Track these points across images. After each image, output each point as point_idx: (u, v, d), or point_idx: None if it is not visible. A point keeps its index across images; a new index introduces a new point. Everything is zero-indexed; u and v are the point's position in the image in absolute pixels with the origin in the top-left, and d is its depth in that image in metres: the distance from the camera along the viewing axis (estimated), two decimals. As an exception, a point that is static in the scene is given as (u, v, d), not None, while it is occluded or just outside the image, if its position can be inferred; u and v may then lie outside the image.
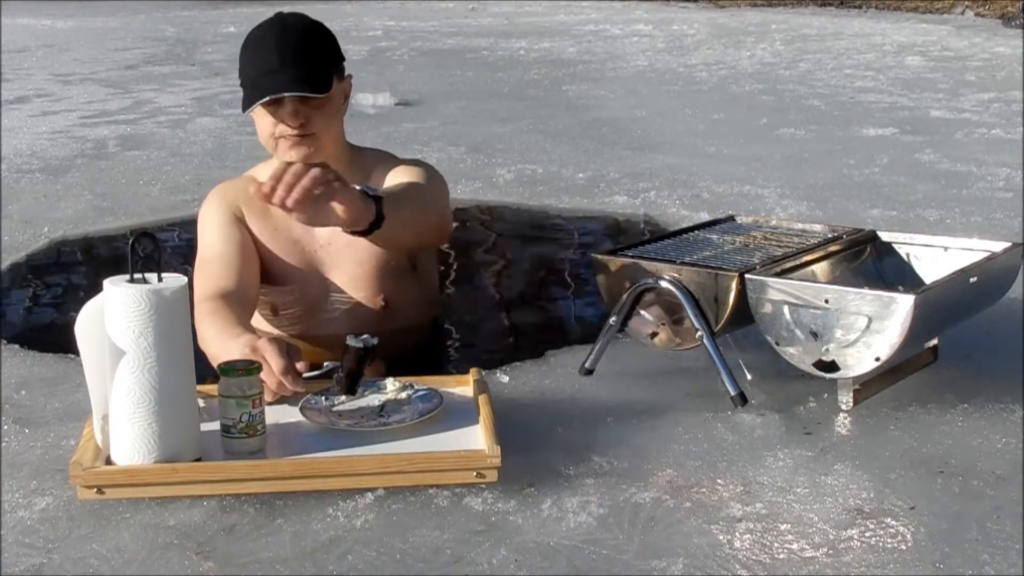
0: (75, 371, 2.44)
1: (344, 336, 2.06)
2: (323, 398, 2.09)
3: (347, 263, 2.44)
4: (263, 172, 2.47)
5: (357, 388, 2.07)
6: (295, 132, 2.28)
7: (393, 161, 2.50)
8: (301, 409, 2.04)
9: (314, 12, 2.60)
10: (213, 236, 2.40)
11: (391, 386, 2.13)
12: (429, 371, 2.24)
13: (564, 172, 4.94)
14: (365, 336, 2.03)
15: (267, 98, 2.23)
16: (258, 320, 2.53)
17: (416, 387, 2.13)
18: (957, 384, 2.34)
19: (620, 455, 2.01)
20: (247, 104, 2.27)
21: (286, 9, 2.50)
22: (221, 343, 2.09)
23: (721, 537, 1.72)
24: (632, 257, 2.37)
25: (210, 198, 2.47)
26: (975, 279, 2.28)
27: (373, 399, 2.10)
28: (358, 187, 2.03)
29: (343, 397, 2.09)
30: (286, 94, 2.24)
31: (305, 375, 2.01)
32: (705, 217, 3.61)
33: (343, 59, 2.38)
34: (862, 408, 2.21)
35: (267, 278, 2.46)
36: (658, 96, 7.66)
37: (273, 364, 1.97)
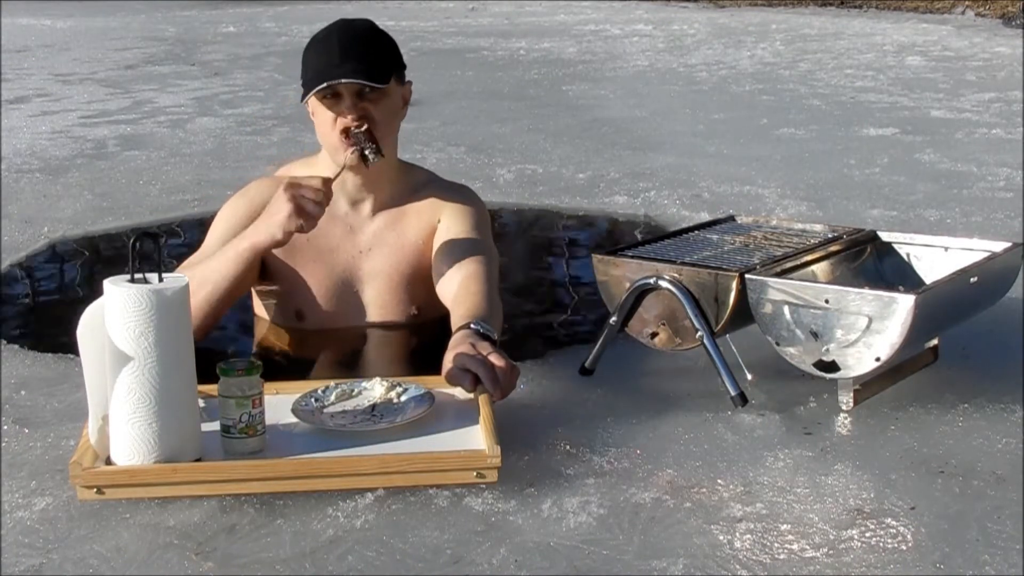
0: (75, 371, 2.44)
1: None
2: (313, 399, 2.10)
3: (385, 270, 2.48)
4: (298, 170, 2.50)
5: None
6: (355, 127, 2.33)
7: (439, 187, 2.57)
8: (292, 410, 2.04)
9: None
10: (215, 241, 2.42)
11: (380, 387, 2.13)
12: (432, 370, 2.24)
13: (564, 172, 4.94)
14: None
15: (324, 84, 2.30)
16: (282, 324, 2.54)
17: (407, 387, 2.13)
18: (957, 384, 2.34)
19: (620, 455, 2.01)
20: (307, 93, 2.34)
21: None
22: (224, 252, 2.31)
23: (721, 537, 1.72)
24: (632, 257, 2.37)
25: (236, 197, 2.50)
26: (975, 279, 2.28)
27: (364, 400, 2.11)
28: (472, 326, 2.13)
29: (332, 397, 2.10)
30: (343, 80, 2.30)
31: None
32: (705, 217, 3.61)
33: (404, 65, 2.43)
34: (862, 408, 2.21)
35: (297, 284, 2.47)
36: (658, 96, 7.66)
37: (305, 182, 2.22)
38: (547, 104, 7.33)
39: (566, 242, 4.04)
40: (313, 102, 2.36)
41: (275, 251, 2.44)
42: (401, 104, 2.44)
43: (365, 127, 2.31)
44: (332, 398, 2.11)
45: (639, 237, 3.57)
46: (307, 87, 2.34)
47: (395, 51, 2.43)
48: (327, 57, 2.33)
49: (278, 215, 2.23)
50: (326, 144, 2.39)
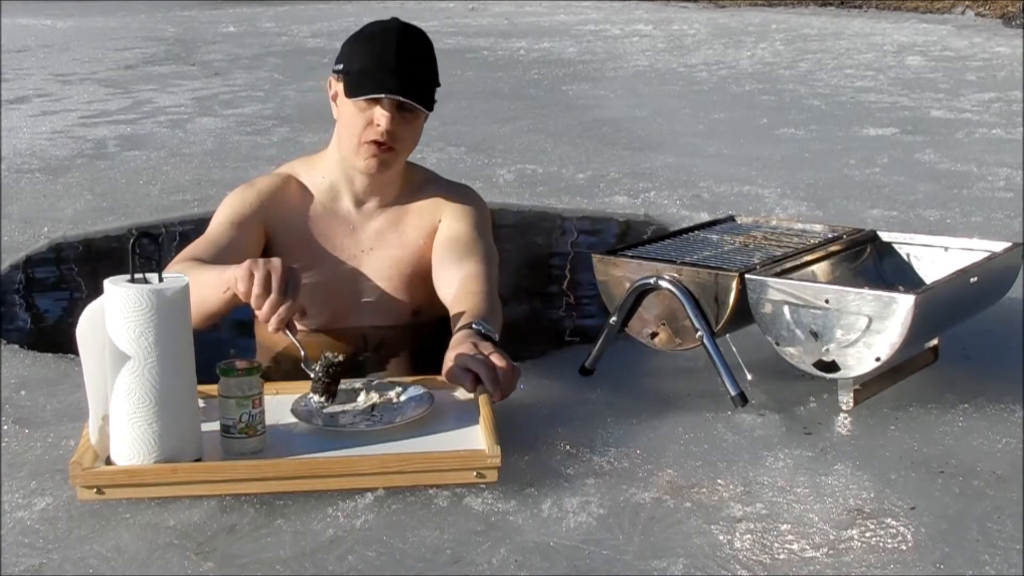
0: (75, 371, 2.44)
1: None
2: (313, 399, 2.10)
3: (385, 270, 2.48)
4: (301, 167, 2.49)
5: (332, 394, 2.09)
6: (383, 140, 2.31)
7: (440, 186, 2.55)
8: (292, 410, 2.04)
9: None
10: (219, 222, 2.42)
11: (380, 387, 2.13)
12: (432, 370, 2.24)
13: (564, 172, 4.94)
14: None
15: (380, 95, 2.27)
16: None
17: (407, 387, 2.13)
18: (957, 384, 2.34)
19: (620, 455, 2.01)
20: (352, 92, 2.30)
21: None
22: (211, 270, 2.13)
23: (721, 537, 1.72)
24: (632, 257, 2.37)
25: (244, 188, 2.49)
26: (975, 279, 2.28)
27: (364, 400, 2.10)
28: (474, 326, 2.12)
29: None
30: (399, 97, 2.27)
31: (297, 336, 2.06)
32: (705, 217, 3.61)
33: (440, 84, 2.41)
34: (862, 408, 2.21)
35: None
36: (658, 96, 7.66)
37: (275, 280, 1.99)
38: (547, 104, 7.33)
39: (566, 242, 4.04)
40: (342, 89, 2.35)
41: (276, 248, 2.44)
42: (424, 123, 2.44)
43: (339, 360, 2.10)
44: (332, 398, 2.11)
45: (639, 237, 3.57)
46: (353, 80, 2.31)
47: (437, 71, 2.41)
48: (382, 59, 2.30)
49: (250, 263, 2.05)
50: (345, 139, 2.37)
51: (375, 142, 2.31)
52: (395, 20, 2.40)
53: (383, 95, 2.27)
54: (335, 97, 2.39)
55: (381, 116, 2.29)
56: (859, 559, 1.66)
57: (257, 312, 2.02)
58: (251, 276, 2.00)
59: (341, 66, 2.36)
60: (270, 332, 2.03)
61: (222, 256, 2.32)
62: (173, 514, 1.80)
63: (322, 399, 2.07)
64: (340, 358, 2.08)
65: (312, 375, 2.08)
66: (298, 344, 2.08)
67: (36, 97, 7.90)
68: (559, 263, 3.76)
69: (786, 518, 1.79)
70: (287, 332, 2.04)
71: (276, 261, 2.03)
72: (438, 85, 2.39)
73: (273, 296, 1.99)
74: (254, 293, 2.00)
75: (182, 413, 1.85)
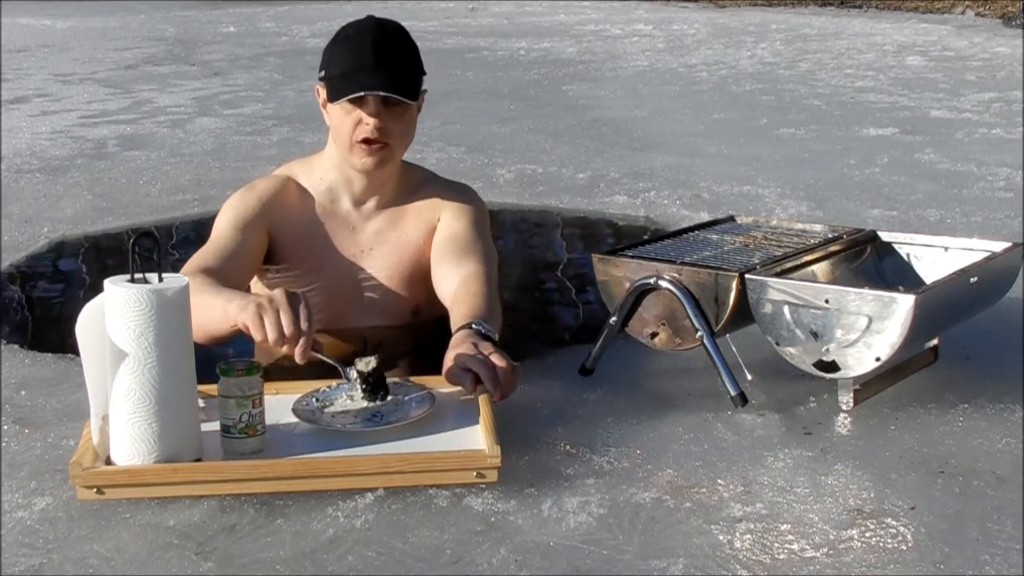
0: (75, 371, 2.44)
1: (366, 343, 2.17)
2: (314, 399, 2.10)
3: (385, 269, 2.48)
4: (298, 168, 2.49)
5: (384, 393, 2.09)
6: (374, 137, 2.31)
7: (439, 185, 2.55)
8: (293, 410, 2.04)
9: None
10: (223, 227, 2.42)
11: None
12: (432, 370, 2.24)
13: (564, 172, 4.94)
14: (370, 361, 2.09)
15: (360, 93, 2.27)
16: None
17: (407, 387, 2.13)
18: (957, 384, 2.34)
19: (620, 455, 2.01)
20: (335, 96, 2.30)
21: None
22: (217, 297, 2.11)
23: (721, 537, 1.72)
24: (632, 257, 2.37)
25: (244, 191, 2.49)
26: (975, 279, 2.28)
27: (364, 400, 2.10)
28: (474, 326, 2.12)
29: (333, 397, 2.11)
30: (380, 92, 2.28)
31: (314, 351, 2.02)
32: (705, 217, 3.61)
33: (425, 73, 2.41)
34: (862, 408, 2.21)
35: (298, 283, 2.47)
36: (658, 96, 7.66)
37: (285, 319, 1.97)
38: (547, 104, 7.33)
39: (566, 242, 4.04)
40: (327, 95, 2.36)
41: (277, 250, 2.44)
42: (416, 114, 2.44)
43: (374, 365, 2.11)
44: (333, 398, 2.11)
45: (639, 237, 3.57)
46: (334, 85, 2.32)
47: (420, 60, 2.41)
48: (359, 59, 2.30)
49: (256, 307, 2.02)
50: (339, 142, 2.38)
51: (367, 140, 2.32)
52: (370, 18, 2.41)
53: (364, 93, 2.28)
54: (324, 104, 2.40)
55: (368, 110, 2.30)
56: (859, 559, 1.66)
57: (281, 351, 2.02)
58: (262, 322, 1.99)
59: (323, 72, 2.37)
60: (299, 363, 2.02)
61: (229, 263, 2.33)
62: (173, 514, 1.80)
63: (376, 403, 2.08)
64: (373, 363, 2.08)
65: (359, 385, 2.08)
66: (331, 361, 2.09)
67: (36, 97, 7.90)
68: (559, 263, 3.76)
69: (786, 518, 1.79)
70: (315, 354, 2.04)
71: (279, 295, 2.02)
72: (423, 74, 2.39)
73: (290, 333, 1.98)
74: (271, 338, 1.99)
75: (182, 413, 1.85)
